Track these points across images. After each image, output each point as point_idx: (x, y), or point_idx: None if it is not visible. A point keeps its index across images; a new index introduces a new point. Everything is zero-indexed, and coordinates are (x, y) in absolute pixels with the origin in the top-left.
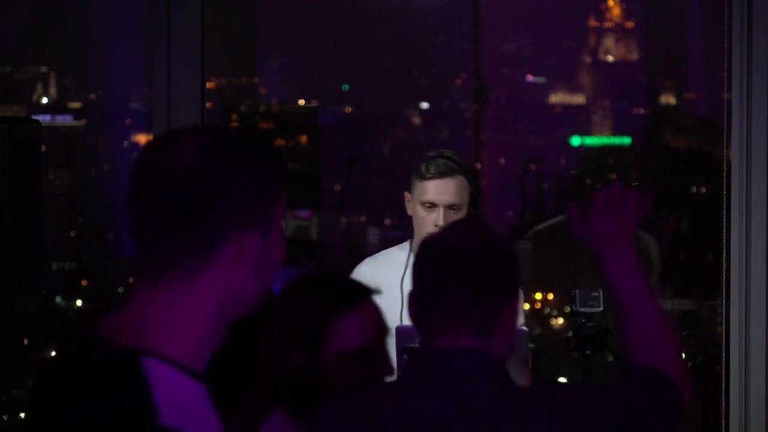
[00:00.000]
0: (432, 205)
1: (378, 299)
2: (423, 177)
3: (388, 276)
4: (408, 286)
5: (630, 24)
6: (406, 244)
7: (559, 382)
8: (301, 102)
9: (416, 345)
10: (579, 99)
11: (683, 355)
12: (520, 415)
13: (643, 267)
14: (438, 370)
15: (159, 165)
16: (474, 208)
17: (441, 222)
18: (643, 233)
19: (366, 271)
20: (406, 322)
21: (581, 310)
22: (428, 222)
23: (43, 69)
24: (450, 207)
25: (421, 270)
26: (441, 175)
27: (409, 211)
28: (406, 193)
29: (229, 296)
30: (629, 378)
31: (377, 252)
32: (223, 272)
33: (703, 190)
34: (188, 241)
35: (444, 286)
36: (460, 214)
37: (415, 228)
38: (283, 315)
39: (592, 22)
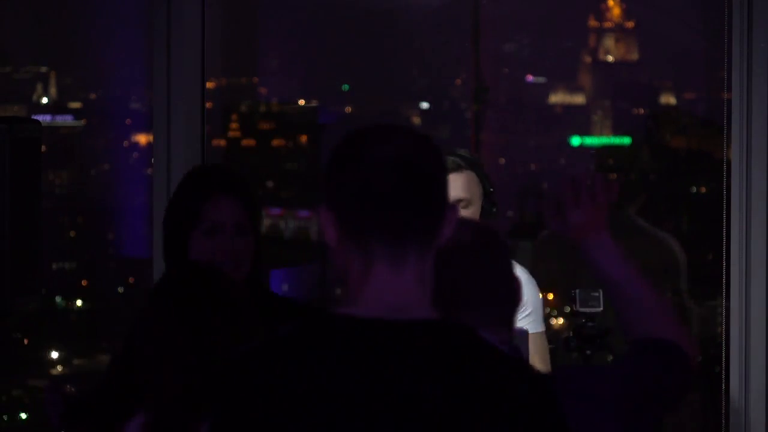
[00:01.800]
0: None
1: None
2: None
3: None
4: None
5: (630, 24)
6: None
7: (576, 366)
8: (301, 102)
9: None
10: (579, 99)
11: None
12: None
13: (632, 259)
14: None
15: (395, 160)
16: (489, 203)
17: None
18: (665, 235)
19: None
20: None
21: (581, 310)
22: None
23: (43, 69)
24: (457, 202)
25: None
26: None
27: None
28: None
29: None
30: (641, 353)
31: None
32: (435, 252)
33: (703, 190)
34: (429, 223)
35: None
36: (471, 210)
37: None
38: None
39: (592, 22)
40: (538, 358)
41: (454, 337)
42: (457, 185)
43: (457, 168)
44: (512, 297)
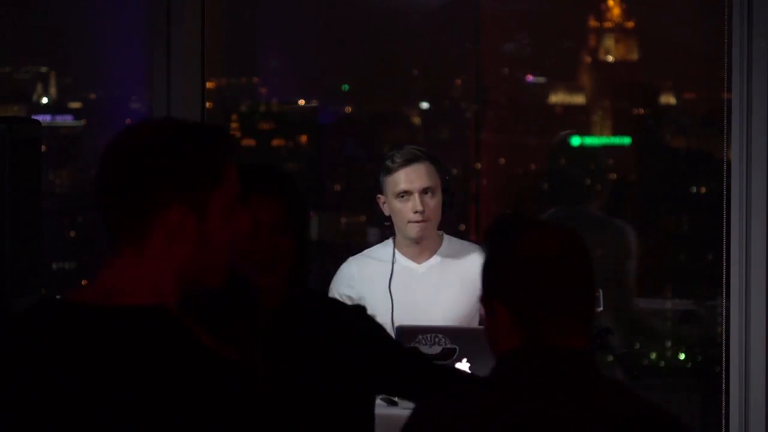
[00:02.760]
0: (406, 193)
1: (368, 297)
2: (391, 170)
3: (375, 275)
4: (396, 285)
5: (630, 24)
6: (389, 242)
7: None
8: (301, 102)
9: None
10: (579, 99)
11: (683, 356)
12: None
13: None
14: (561, 368)
15: (113, 151)
16: (448, 196)
17: (419, 208)
18: (621, 222)
19: (353, 270)
20: (396, 321)
21: None
22: (407, 211)
23: (43, 69)
24: (424, 191)
25: (539, 270)
26: (408, 162)
27: (386, 212)
28: (379, 196)
29: (181, 270)
30: None
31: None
32: (162, 245)
33: (703, 190)
34: (125, 217)
35: (566, 291)
36: (436, 199)
37: (395, 225)
38: None
39: (592, 22)
40: None
41: (154, 324)
42: (421, 174)
43: (416, 159)
44: (594, 303)
